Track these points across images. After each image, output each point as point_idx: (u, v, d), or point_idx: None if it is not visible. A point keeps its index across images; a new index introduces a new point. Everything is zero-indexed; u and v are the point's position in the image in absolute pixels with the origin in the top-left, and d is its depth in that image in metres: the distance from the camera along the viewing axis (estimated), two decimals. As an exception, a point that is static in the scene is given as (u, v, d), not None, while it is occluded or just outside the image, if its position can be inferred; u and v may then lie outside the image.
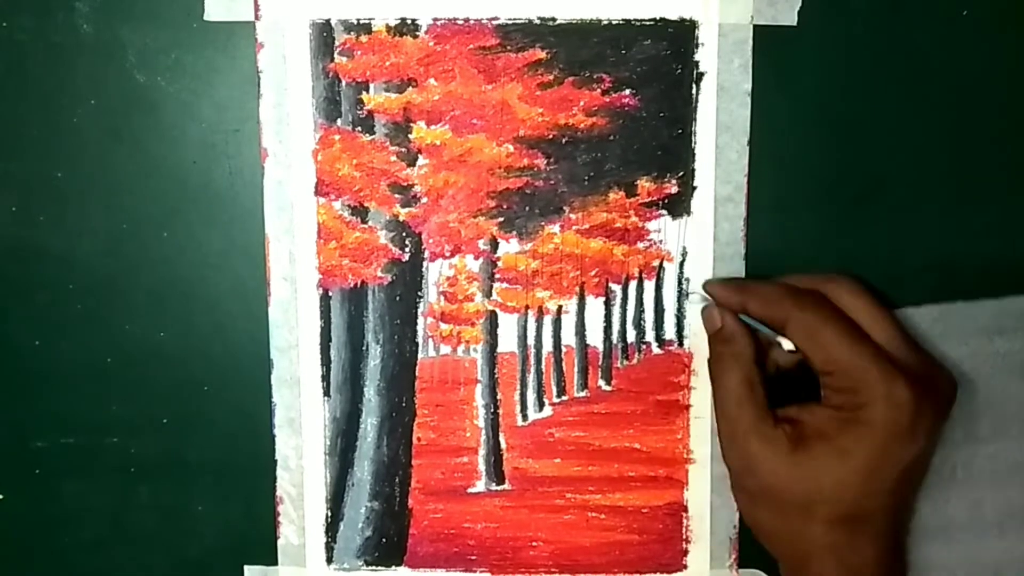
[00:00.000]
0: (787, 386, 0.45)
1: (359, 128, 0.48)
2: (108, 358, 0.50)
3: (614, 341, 0.50)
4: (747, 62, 0.47)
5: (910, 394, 0.42)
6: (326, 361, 0.49)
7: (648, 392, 0.50)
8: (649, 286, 0.49)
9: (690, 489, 0.50)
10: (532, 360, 0.50)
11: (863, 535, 0.43)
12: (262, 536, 0.51)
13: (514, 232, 0.49)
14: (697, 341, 0.49)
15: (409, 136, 0.48)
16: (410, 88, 0.48)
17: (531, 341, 0.50)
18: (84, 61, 0.48)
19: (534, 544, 0.51)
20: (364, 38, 0.47)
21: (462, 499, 0.50)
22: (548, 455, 0.50)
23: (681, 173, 0.48)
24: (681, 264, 0.49)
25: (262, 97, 0.48)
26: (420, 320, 0.49)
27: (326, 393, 0.50)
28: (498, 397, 0.50)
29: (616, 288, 0.49)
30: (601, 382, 0.50)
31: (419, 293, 0.49)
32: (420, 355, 0.50)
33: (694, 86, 0.47)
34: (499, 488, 0.50)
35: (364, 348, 0.50)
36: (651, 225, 0.49)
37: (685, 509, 0.50)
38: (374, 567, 0.51)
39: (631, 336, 0.50)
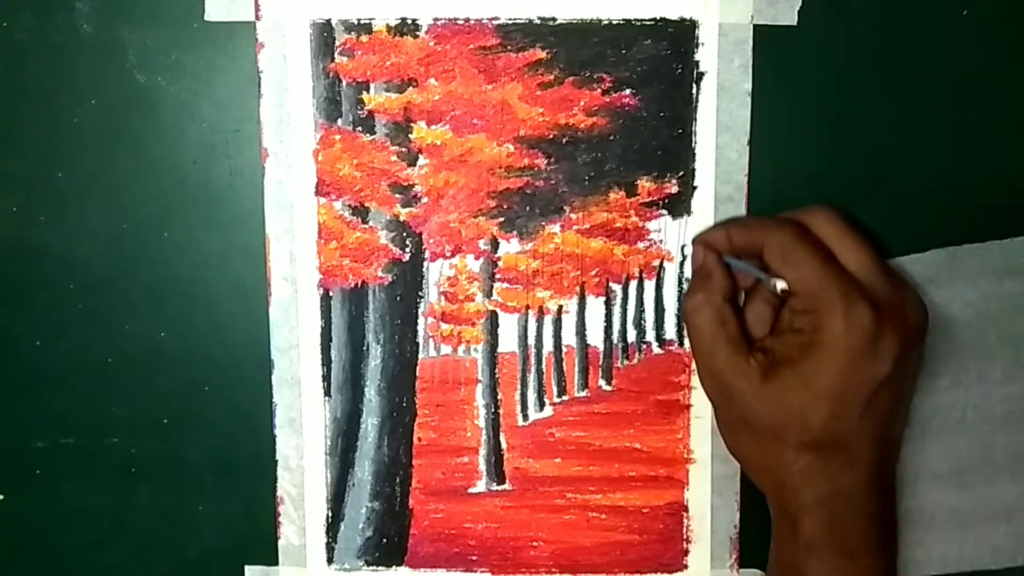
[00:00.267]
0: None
1: (360, 128, 0.48)
2: (108, 358, 0.50)
3: (614, 341, 0.50)
4: (747, 62, 0.47)
5: (870, 316, 0.42)
6: (327, 361, 0.49)
7: (649, 392, 0.50)
8: (649, 286, 0.49)
9: (691, 489, 0.50)
10: (532, 360, 0.50)
11: (835, 461, 0.43)
12: (263, 536, 0.51)
13: (514, 232, 0.49)
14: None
15: (410, 136, 0.48)
16: (410, 88, 0.48)
17: (531, 341, 0.50)
18: (84, 61, 0.48)
19: (535, 544, 0.51)
20: (364, 38, 0.47)
21: (463, 499, 0.50)
22: (549, 455, 0.50)
23: (681, 173, 0.48)
24: (681, 264, 0.49)
25: (262, 97, 0.48)
26: (421, 320, 0.49)
27: (327, 393, 0.50)
28: (499, 397, 0.50)
29: (616, 288, 0.49)
30: (602, 382, 0.50)
31: (420, 293, 0.49)
32: (421, 355, 0.50)
33: (694, 86, 0.47)
34: (500, 488, 0.50)
35: (365, 348, 0.50)
36: (651, 225, 0.49)
37: (686, 509, 0.50)
38: (375, 567, 0.51)
39: (631, 336, 0.50)
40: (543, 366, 0.50)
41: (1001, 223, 0.48)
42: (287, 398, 0.50)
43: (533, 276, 0.49)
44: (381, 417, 0.50)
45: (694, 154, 0.48)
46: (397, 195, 0.49)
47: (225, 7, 0.47)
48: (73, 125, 0.48)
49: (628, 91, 0.47)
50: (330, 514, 0.50)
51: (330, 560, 0.51)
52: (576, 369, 0.50)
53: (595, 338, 0.50)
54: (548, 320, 0.50)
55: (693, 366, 0.49)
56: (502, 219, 0.49)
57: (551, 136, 0.48)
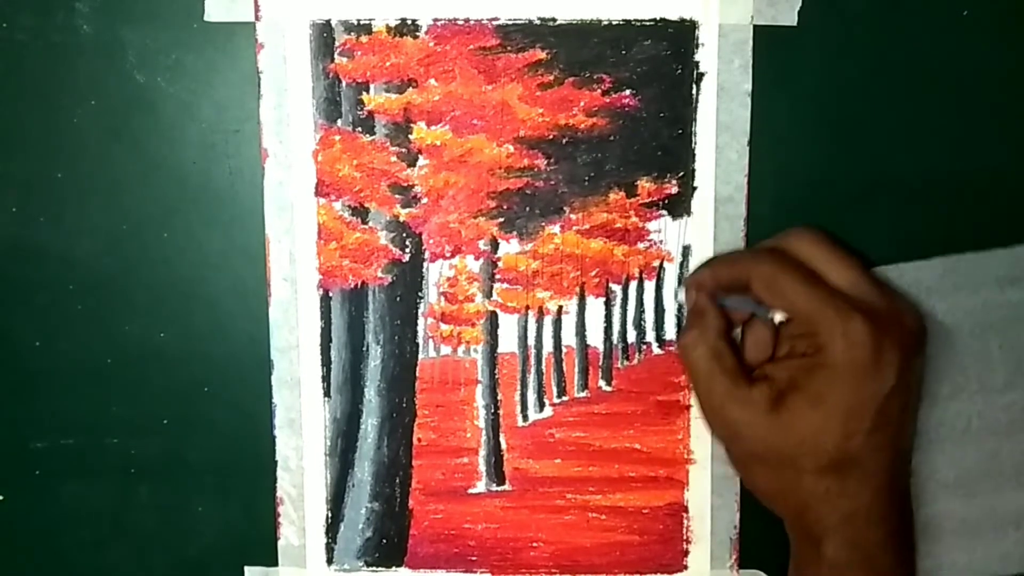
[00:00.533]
0: None
1: (359, 128, 0.48)
2: (108, 358, 0.50)
3: (614, 341, 0.50)
4: (747, 62, 0.47)
5: (868, 330, 0.41)
6: (326, 362, 0.49)
7: (648, 392, 0.50)
8: (649, 286, 0.49)
9: (690, 489, 0.50)
10: (532, 360, 0.50)
11: (853, 479, 0.43)
12: (262, 537, 0.50)
13: (514, 232, 0.49)
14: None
15: (409, 136, 0.48)
16: (410, 88, 0.48)
17: (531, 341, 0.50)
18: (84, 61, 0.48)
19: (535, 545, 0.51)
20: (364, 38, 0.47)
21: (462, 500, 0.50)
22: (548, 455, 0.50)
23: (681, 173, 0.48)
24: (681, 264, 0.49)
25: (262, 98, 0.48)
26: (420, 321, 0.49)
27: (326, 394, 0.50)
28: (498, 397, 0.50)
29: (616, 288, 0.49)
30: (601, 382, 0.50)
31: (419, 294, 0.49)
32: (420, 356, 0.50)
33: (694, 86, 0.47)
34: (499, 489, 0.50)
35: (364, 349, 0.50)
36: (651, 225, 0.49)
37: (685, 509, 0.50)
38: (374, 568, 0.51)
39: (631, 336, 0.50)
40: (543, 367, 0.50)
41: (1001, 223, 0.48)
42: (287, 399, 0.50)
43: (533, 276, 0.49)
44: (381, 418, 0.50)
45: (694, 154, 0.48)
46: (397, 195, 0.49)
47: (225, 7, 0.47)
48: (73, 125, 0.48)
49: (628, 91, 0.47)
50: (330, 515, 0.50)
51: (330, 561, 0.51)
52: (576, 370, 0.50)
53: (595, 339, 0.50)
54: (548, 321, 0.50)
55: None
56: (502, 219, 0.49)
57: (551, 136, 0.48)
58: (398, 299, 0.49)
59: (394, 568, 0.51)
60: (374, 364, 0.50)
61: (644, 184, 0.48)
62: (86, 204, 0.49)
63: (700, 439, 0.49)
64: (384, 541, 0.51)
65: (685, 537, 0.50)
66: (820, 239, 0.44)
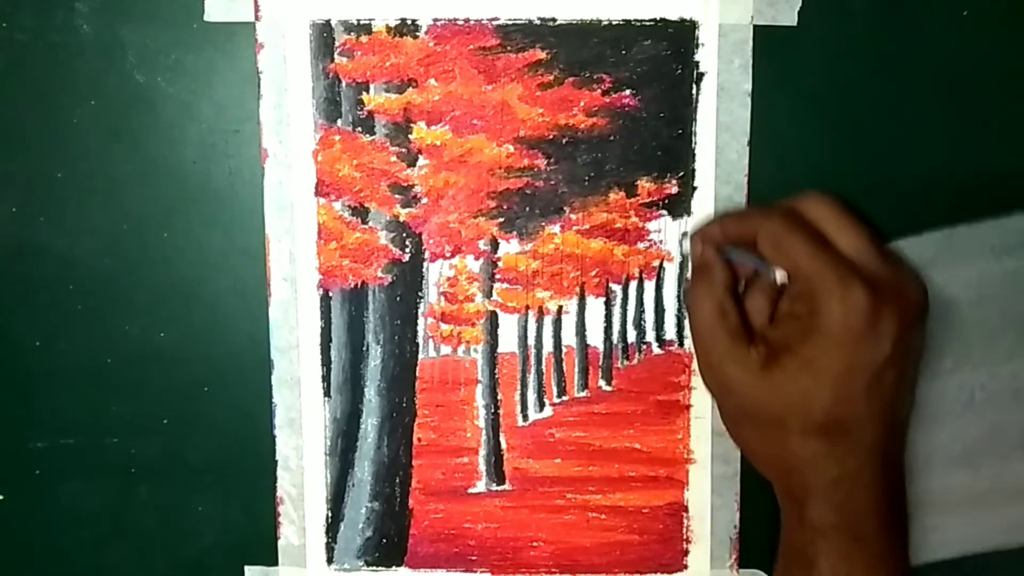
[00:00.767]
0: None
1: (359, 128, 0.48)
2: (108, 358, 0.50)
3: (614, 341, 0.50)
4: (747, 62, 0.47)
5: (866, 298, 0.41)
6: (326, 361, 0.49)
7: (648, 392, 0.50)
8: (649, 286, 0.49)
9: (690, 489, 0.50)
10: (532, 360, 0.50)
11: (841, 445, 0.43)
12: (262, 536, 0.51)
13: (514, 232, 0.49)
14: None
15: (409, 136, 0.48)
16: (410, 88, 0.48)
17: (531, 341, 0.50)
18: (84, 61, 0.48)
19: (534, 544, 0.51)
20: (364, 38, 0.47)
21: (462, 499, 0.50)
22: (548, 455, 0.50)
23: (681, 173, 0.48)
24: (681, 264, 0.49)
25: (262, 98, 0.48)
26: (420, 320, 0.49)
27: (326, 393, 0.50)
28: (498, 397, 0.50)
29: (616, 288, 0.49)
30: (601, 382, 0.50)
31: (419, 293, 0.49)
32: (420, 355, 0.50)
33: (694, 86, 0.47)
34: (499, 488, 0.50)
35: (364, 348, 0.50)
36: (651, 225, 0.49)
37: (685, 509, 0.50)
38: (374, 567, 0.51)
39: (631, 336, 0.50)
40: (543, 366, 0.50)
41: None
42: (287, 398, 0.50)
43: (533, 276, 0.49)
44: (381, 417, 0.50)
45: (694, 154, 0.48)
46: (397, 195, 0.49)
47: (225, 7, 0.47)
48: (73, 125, 0.48)
49: (628, 91, 0.47)
50: (330, 514, 0.50)
51: (330, 560, 0.51)
52: (576, 369, 0.50)
53: (595, 338, 0.50)
54: (548, 320, 0.50)
55: (694, 366, 0.49)
56: (502, 219, 0.49)
57: (551, 136, 0.48)
58: (398, 299, 0.49)
59: (394, 568, 0.51)
60: (374, 364, 0.50)
61: (644, 184, 0.48)
62: (86, 204, 0.49)
63: (700, 439, 0.50)
64: (384, 541, 0.51)
65: (685, 537, 0.50)
66: (833, 203, 0.44)
